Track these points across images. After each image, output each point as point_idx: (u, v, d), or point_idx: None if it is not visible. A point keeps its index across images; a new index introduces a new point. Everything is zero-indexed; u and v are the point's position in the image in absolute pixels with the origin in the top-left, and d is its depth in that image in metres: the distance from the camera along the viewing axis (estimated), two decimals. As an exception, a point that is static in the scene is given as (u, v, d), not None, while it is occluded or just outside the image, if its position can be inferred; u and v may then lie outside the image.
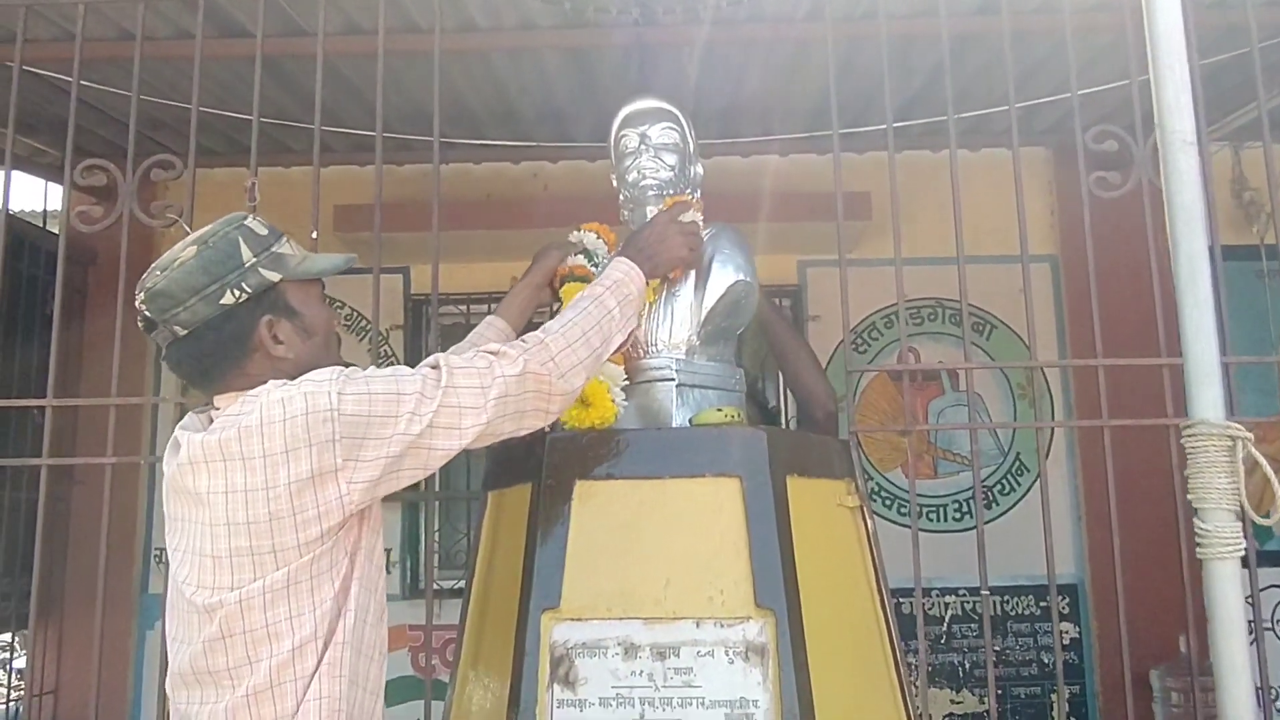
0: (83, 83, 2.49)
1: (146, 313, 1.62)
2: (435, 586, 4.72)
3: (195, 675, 1.56)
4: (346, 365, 1.71)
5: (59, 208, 5.11)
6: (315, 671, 1.52)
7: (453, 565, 4.82)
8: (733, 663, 1.83)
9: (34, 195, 4.74)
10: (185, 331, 1.61)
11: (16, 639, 5.45)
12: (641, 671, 1.83)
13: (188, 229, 2.34)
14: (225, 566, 1.53)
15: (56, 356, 2.39)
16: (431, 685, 2.84)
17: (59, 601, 4.36)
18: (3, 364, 3.68)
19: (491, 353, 1.68)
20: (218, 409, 1.64)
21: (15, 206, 4.32)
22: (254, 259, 1.63)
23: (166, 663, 1.64)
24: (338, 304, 4.74)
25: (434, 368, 1.64)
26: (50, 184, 4.83)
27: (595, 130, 4.35)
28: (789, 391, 2.50)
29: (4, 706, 4.85)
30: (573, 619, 1.87)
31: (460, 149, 4.70)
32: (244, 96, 3.97)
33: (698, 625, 1.85)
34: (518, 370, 1.66)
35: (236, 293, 1.61)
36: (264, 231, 1.67)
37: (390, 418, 1.55)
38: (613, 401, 2.04)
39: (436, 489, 4.83)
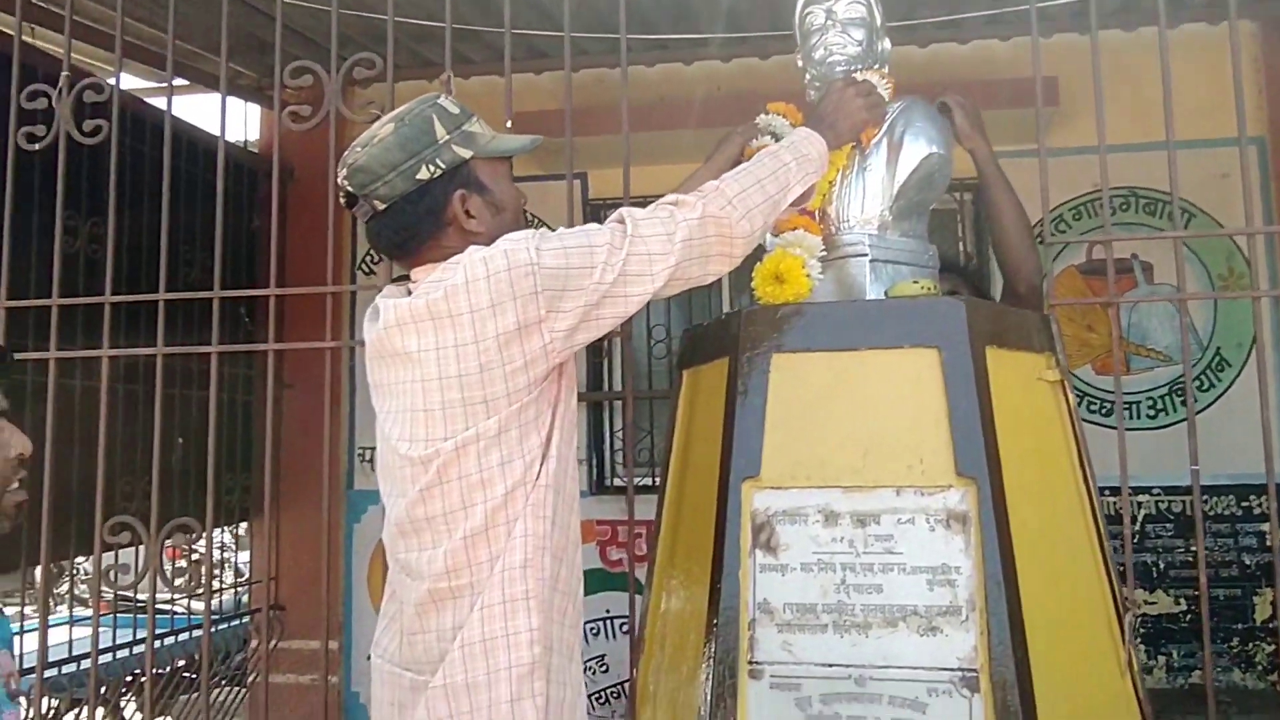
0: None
1: (348, 187, 1.72)
2: (620, 483, 4.88)
3: (413, 524, 1.67)
4: None
5: (255, 132, 5.39)
6: (522, 512, 1.62)
7: (637, 463, 4.94)
8: (934, 530, 1.84)
9: (234, 122, 4.99)
10: (384, 206, 1.71)
11: (237, 531, 5.89)
12: (842, 538, 1.86)
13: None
14: (438, 419, 1.63)
15: (276, 249, 2.56)
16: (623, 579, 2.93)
17: (276, 496, 4.69)
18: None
19: (671, 203, 1.74)
20: (414, 281, 1.73)
21: (214, 127, 4.59)
22: (447, 136, 1.71)
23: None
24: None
25: (620, 221, 1.71)
26: (249, 105, 5.09)
27: (770, 24, 4.28)
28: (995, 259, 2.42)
29: (232, 593, 5.29)
30: (773, 487, 1.91)
31: (634, 52, 4.71)
32: (426, 8, 4.09)
33: (897, 493, 1.86)
34: (698, 215, 1.71)
35: (431, 168, 1.69)
36: (456, 110, 1.75)
37: (586, 269, 1.62)
38: (807, 276, 2.04)
39: (620, 388, 4.97)
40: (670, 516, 2.19)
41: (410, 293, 1.71)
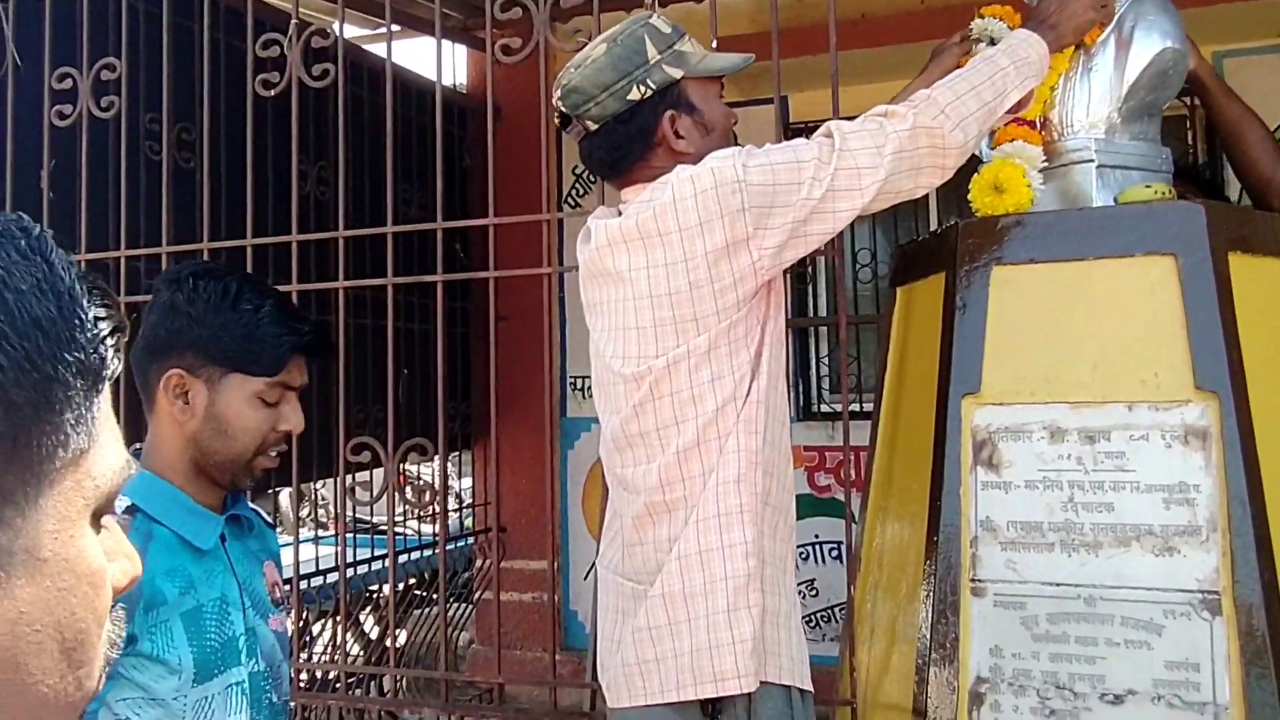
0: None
1: (562, 108, 1.76)
2: (827, 409, 4.85)
3: (627, 439, 1.72)
4: None
5: (462, 75, 5.55)
6: (733, 428, 1.64)
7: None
8: (1170, 446, 1.75)
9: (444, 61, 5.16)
10: (596, 126, 1.74)
11: (459, 459, 6.19)
12: (1069, 455, 1.80)
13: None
14: (650, 336, 1.66)
15: (494, 181, 2.65)
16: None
17: (487, 425, 4.90)
18: (431, 210, 4.13)
19: (880, 114, 1.69)
20: (625, 202, 1.76)
21: (424, 71, 4.74)
22: (658, 56, 1.72)
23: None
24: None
25: (827, 135, 1.68)
26: (456, 48, 5.23)
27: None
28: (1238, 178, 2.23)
29: (456, 516, 5.57)
30: (994, 403, 1.86)
31: (834, -33, 4.57)
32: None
33: (1129, 409, 1.78)
34: (908, 125, 1.65)
35: (642, 88, 1.71)
36: (667, 30, 1.75)
37: (793, 184, 1.61)
38: (1028, 186, 1.96)
39: (828, 314, 4.91)
40: (886, 436, 2.17)
41: (621, 214, 1.75)
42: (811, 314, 4.89)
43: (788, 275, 2.13)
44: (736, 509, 1.63)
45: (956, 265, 1.93)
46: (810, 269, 4.87)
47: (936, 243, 2.01)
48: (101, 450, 0.47)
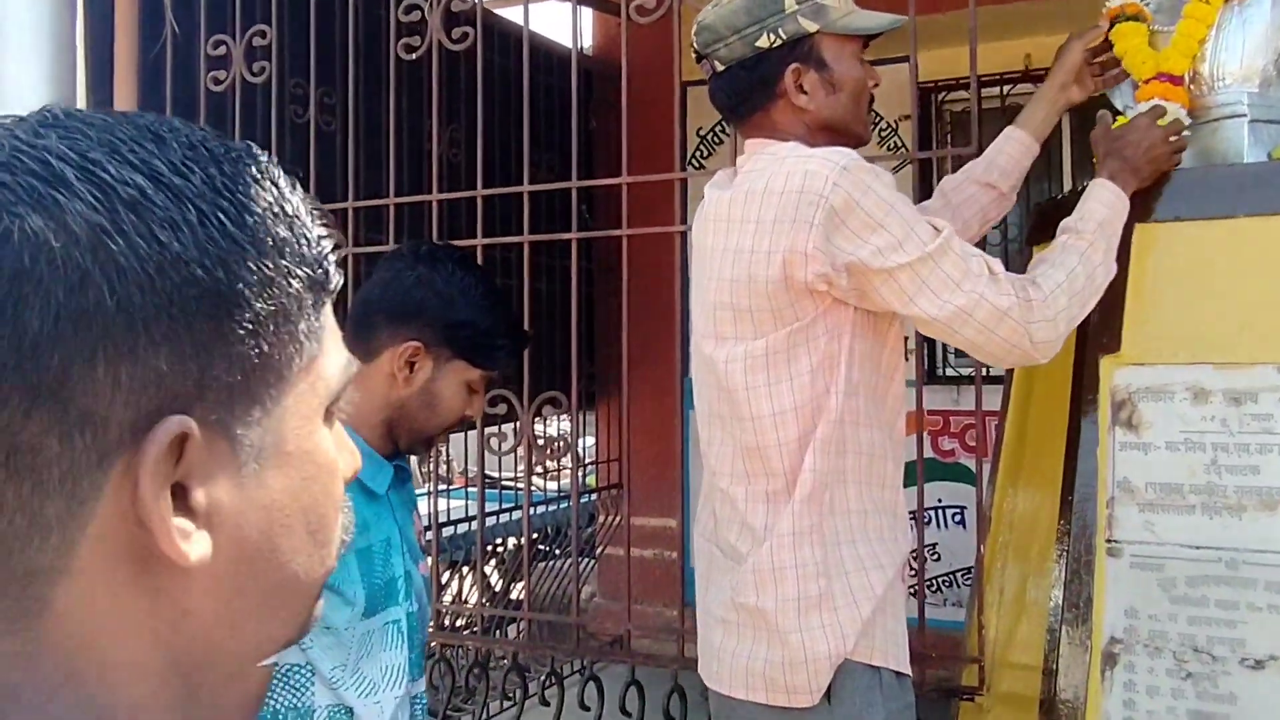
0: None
1: (695, 44, 1.78)
2: (951, 373, 4.79)
3: (710, 416, 1.74)
4: (864, 143, 1.77)
5: (588, 38, 5.59)
6: (807, 443, 1.61)
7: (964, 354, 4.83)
8: (1320, 409, 1.71)
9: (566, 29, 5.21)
10: (723, 68, 1.74)
11: (581, 416, 6.31)
12: (1213, 417, 1.76)
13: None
14: (712, 319, 1.68)
15: (622, 143, 2.70)
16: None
17: (618, 383, 4.99)
18: (564, 171, 4.22)
19: (992, 270, 1.61)
20: (744, 155, 1.77)
21: (553, 36, 4.80)
22: (796, 7, 1.69)
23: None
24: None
25: (937, 230, 1.59)
26: (581, 11, 5.27)
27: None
28: None
29: (580, 473, 5.68)
30: (1134, 364, 1.83)
31: (965, -79, 4.46)
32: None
33: (1279, 370, 1.74)
34: (999, 307, 1.58)
35: (772, 37, 1.69)
36: None
37: (867, 229, 1.56)
38: None
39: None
40: (1020, 395, 2.15)
41: (734, 178, 1.76)
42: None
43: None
44: (807, 529, 1.62)
45: (1097, 223, 1.89)
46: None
47: (1074, 200, 1.97)
48: (328, 355, 0.53)
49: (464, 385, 1.59)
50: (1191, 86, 1.99)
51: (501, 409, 2.82)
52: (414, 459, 2.24)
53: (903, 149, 4.87)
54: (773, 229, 1.58)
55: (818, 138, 1.72)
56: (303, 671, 1.44)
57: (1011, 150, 2.07)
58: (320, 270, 0.51)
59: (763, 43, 1.69)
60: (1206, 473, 1.75)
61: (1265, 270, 1.77)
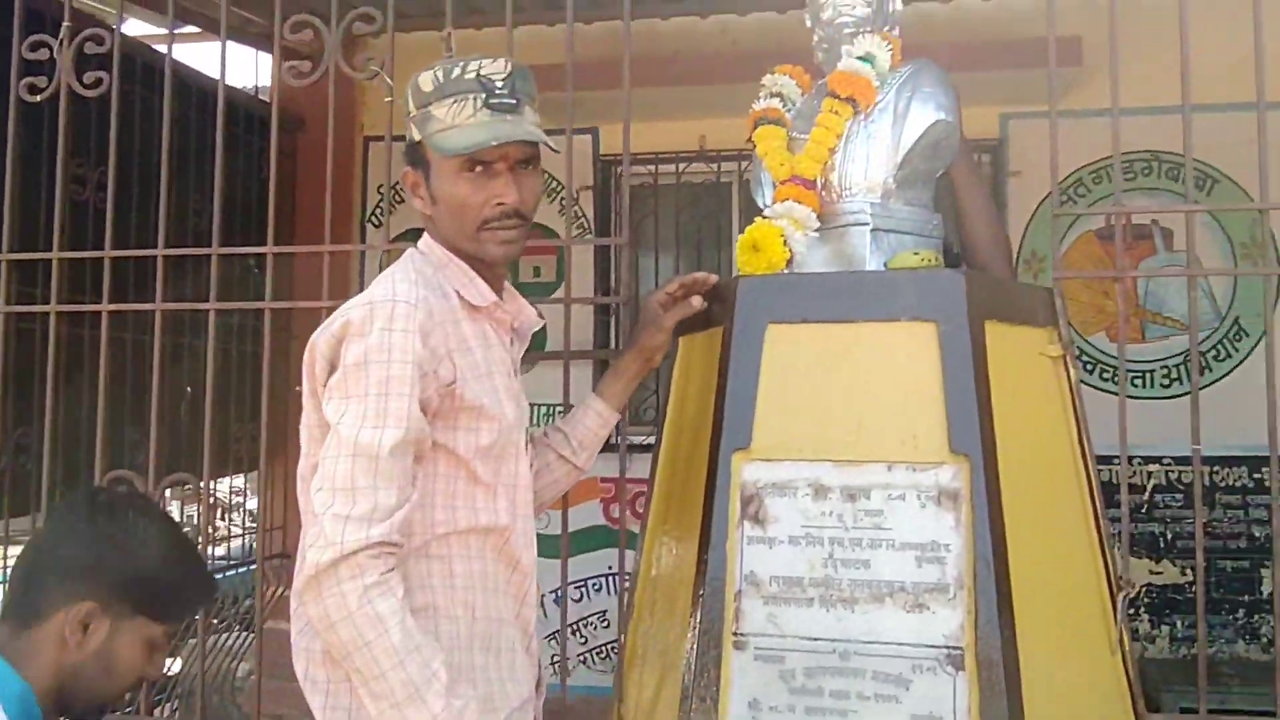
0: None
1: None
2: (626, 441, 4.87)
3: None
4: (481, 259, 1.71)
5: (267, 81, 5.35)
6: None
7: (640, 421, 4.94)
8: (924, 507, 1.82)
9: (245, 70, 4.93)
10: None
11: (248, 480, 5.94)
12: (831, 512, 1.84)
13: (389, 81, 2.42)
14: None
15: (278, 206, 2.54)
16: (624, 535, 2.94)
17: (284, 444, 4.71)
18: (226, 225, 3.97)
19: (359, 517, 1.49)
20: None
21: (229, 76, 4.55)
22: (415, 111, 1.70)
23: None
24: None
25: (369, 453, 1.51)
26: (260, 54, 5.03)
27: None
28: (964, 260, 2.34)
29: (239, 540, 5.33)
30: (763, 459, 1.89)
31: (648, 4, 4.63)
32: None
33: (889, 469, 1.84)
34: (322, 549, 1.47)
35: (412, 132, 1.71)
36: (429, 88, 1.68)
37: (341, 386, 1.55)
38: (784, 246, 2.01)
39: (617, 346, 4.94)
40: (663, 483, 2.18)
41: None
42: (614, 346, 4.92)
43: (591, 307, 2.07)
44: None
45: (733, 320, 1.95)
46: (614, 303, 4.90)
47: (716, 296, 2.03)
48: None
49: (145, 643, 1.47)
50: (822, 192, 2.11)
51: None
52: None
53: (583, 218, 4.96)
54: (322, 355, 1.60)
55: (442, 242, 1.74)
56: None
57: (590, 423, 2.07)
58: None
59: (413, 134, 1.70)
60: (824, 566, 1.82)
61: (879, 373, 1.88)
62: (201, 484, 2.68)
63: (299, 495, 1.65)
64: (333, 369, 1.57)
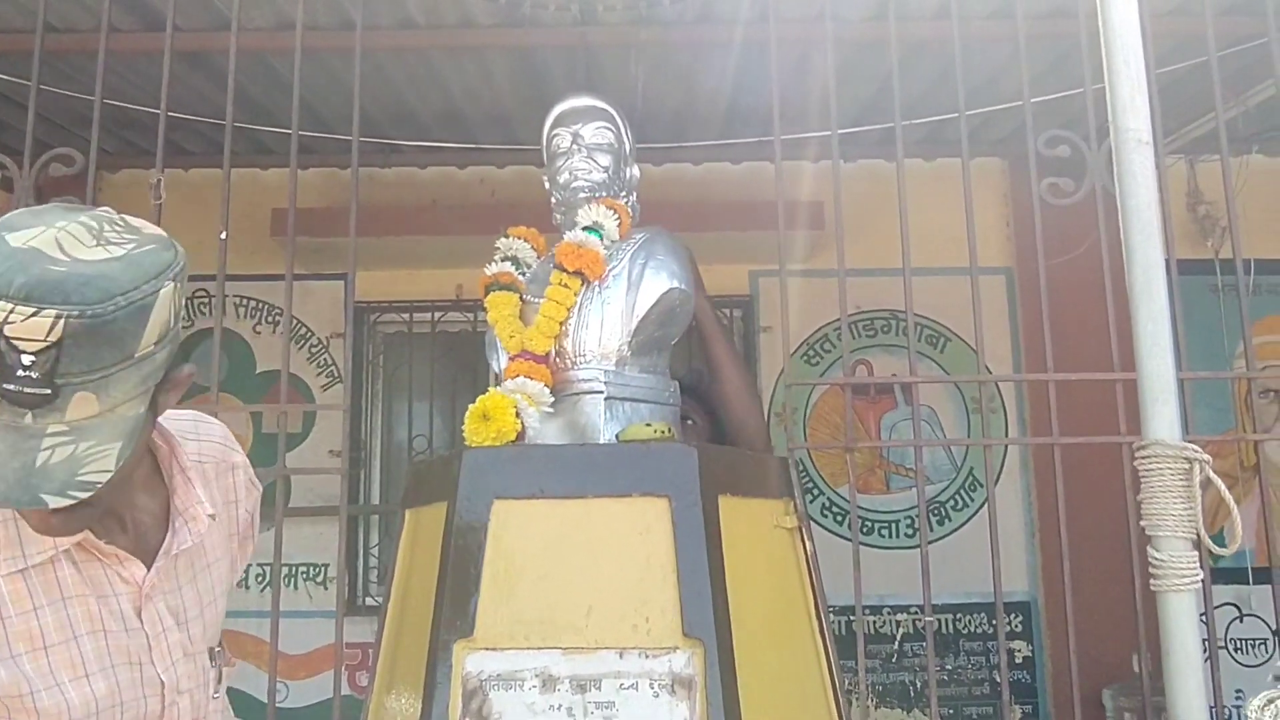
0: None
1: None
2: (373, 602, 4.58)
3: None
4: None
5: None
6: None
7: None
8: (658, 696, 1.71)
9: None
10: None
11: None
12: (560, 705, 1.70)
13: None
14: None
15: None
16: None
17: None
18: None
19: None
20: None
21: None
22: None
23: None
24: (277, 310, 4.58)
25: None
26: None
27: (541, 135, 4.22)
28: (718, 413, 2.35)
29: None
30: (487, 648, 1.74)
31: (406, 153, 4.57)
32: (176, 94, 3.82)
33: (621, 656, 1.73)
34: None
35: None
36: None
37: None
38: (516, 417, 1.91)
39: (375, 502, 4.69)
40: (384, 675, 1.98)
41: None
42: (364, 502, 4.67)
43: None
44: None
45: (457, 495, 1.82)
46: (365, 453, 4.67)
47: (442, 467, 1.90)
48: None
49: None
50: (556, 359, 2.03)
51: None
52: None
53: (333, 366, 4.73)
54: None
55: None
56: None
57: None
58: None
59: None
60: (553, 767, 1.67)
61: (611, 552, 1.78)
62: None
63: None
64: None
